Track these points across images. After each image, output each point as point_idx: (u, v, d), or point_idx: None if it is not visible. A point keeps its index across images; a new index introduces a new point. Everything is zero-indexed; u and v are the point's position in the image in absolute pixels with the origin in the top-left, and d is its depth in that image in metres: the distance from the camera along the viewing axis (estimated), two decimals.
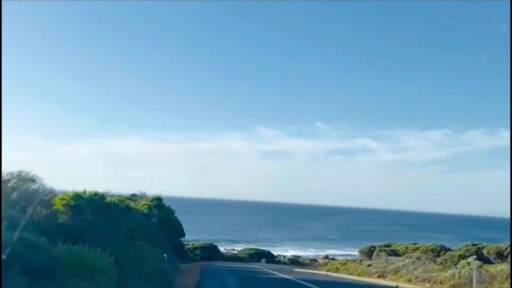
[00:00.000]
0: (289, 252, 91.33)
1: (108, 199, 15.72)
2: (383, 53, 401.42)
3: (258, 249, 74.41)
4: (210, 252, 61.42)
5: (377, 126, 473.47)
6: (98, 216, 13.04)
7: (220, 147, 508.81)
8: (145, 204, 26.48)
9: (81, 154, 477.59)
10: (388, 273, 29.16)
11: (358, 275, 31.93)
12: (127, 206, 18.84)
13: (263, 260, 66.01)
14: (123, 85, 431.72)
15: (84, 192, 14.24)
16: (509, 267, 22.99)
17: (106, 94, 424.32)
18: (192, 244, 62.29)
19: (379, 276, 29.43)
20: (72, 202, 12.99)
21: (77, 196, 13.43)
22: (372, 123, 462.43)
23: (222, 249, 78.92)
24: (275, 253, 76.18)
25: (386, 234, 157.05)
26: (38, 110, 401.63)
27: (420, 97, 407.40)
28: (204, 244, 64.78)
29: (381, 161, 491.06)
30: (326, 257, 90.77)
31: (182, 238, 39.75)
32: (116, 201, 16.40)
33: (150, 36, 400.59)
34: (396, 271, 28.76)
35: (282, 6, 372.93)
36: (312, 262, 75.84)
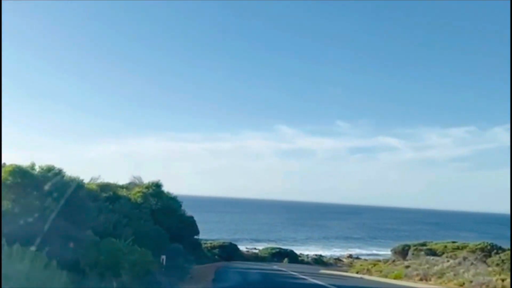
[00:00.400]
0: (312, 251, 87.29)
1: (87, 185, 11.98)
2: (404, 52, 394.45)
3: (280, 248, 70.55)
4: (229, 251, 57.45)
5: (398, 123, 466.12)
6: (52, 202, 9.16)
7: (241, 146, 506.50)
8: (138, 192, 21.36)
9: (101, 154, 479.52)
10: (431, 275, 24.87)
11: (395, 277, 27.67)
12: (115, 193, 15.08)
13: (286, 259, 62.35)
14: (144, 88, 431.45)
15: (32, 166, 10.23)
16: None
17: (126, 97, 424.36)
18: (210, 243, 58.54)
19: (420, 279, 25.16)
20: (10, 180, 9.09)
21: (20, 172, 9.41)
22: (393, 120, 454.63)
23: (243, 248, 75.26)
24: (297, 252, 72.37)
25: (411, 233, 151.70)
26: (59, 114, 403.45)
27: (442, 94, 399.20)
28: (223, 243, 60.86)
29: (403, 159, 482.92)
30: (350, 256, 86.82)
31: (197, 236, 35.70)
32: (94, 187, 12.61)
33: (167, 38, 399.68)
34: (442, 273, 24.46)
35: (299, 8, 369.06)
36: (337, 262, 71.80)
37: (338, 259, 77.93)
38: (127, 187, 22.81)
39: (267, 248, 70.51)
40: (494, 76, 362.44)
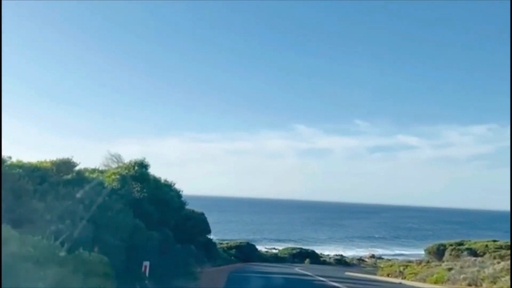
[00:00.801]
0: (333, 251, 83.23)
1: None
2: (422, 51, 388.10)
3: (301, 248, 66.70)
4: (247, 252, 53.64)
5: (417, 122, 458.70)
6: None
7: (259, 146, 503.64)
8: (114, 174, 16.08)
9: (124, 155, 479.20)
10: (482, 279, 20.86)
11: (436, 282, 23.69)
12: (79, 175, 11.36)
13: (307, 260, 58.51)
14: (165, 90, 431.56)
15: None
16: None
17: (145, 98, 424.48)
18: (227, 243, 54.93)
19: (469, 284, 21.15)
20: None
21: None
22: (412, 119, 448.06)
23: (262, 248, 71.74)
24: (318, 252, 68.40)
25: (434, 232, 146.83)
26: (81, 117, 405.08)
27: (461, 92, 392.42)
28: (240, 243, 57.13)
29: (423, 157, 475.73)
30: (372, 256, 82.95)
31: (209, 235, 31.96)
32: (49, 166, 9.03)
33: (187, 42, 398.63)
34: (495, 277, 20.43)
35: (314, 8, 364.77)
36: (360, 262, 68.02)
37: (360, 259, 73.98)
38: (102, 171, 17.88)
39: (287, 248, 66.74)
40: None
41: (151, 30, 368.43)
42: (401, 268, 31.97)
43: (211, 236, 37.62)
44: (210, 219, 32.60)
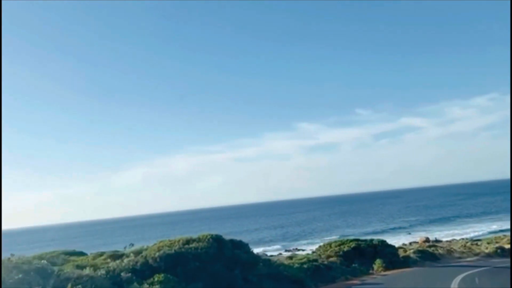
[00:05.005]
0: (393, 241, 68.41)
1: None
2: (413, 31, 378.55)
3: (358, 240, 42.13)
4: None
5: (418, 102, 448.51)
6: None
7: (265, 150, 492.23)
8: None
9: (133, 179, 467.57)
10: None
11: None
12: None
13: (378, 263, 34.44)
14: (165, 104, 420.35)
15: None
16: None
17: (144, 117, 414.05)
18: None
19: None
20: None
21: None
22: (413, 100, 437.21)
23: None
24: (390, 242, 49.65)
25: (473, 206, 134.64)
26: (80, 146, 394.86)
27: (458, 66, 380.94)
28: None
29: (429, 136, 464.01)
30: (427, 240, 69.31)
31: None
32: None
33: (178, 48, 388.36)
34: None
35: (304, 9, 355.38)
36: (448, 251, 49.33)
37: (433, 246, 59.63)
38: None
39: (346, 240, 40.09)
40: (508, 41, 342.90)
41: (142, 39, 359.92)
42: None
43: None
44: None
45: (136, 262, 21.06)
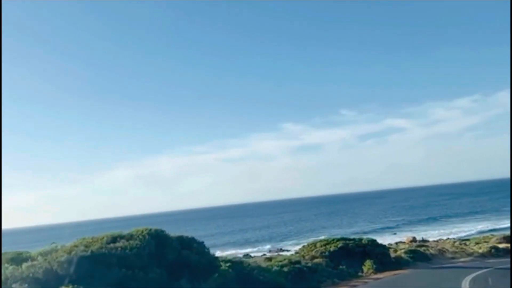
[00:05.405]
0: (386, 240, 66.04)
1: None
2: (399, 32, 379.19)
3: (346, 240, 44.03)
4: None
5: (403, 103, 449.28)
6: None
7: (251, 150, 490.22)
8: None
9: (120, 180, 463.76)
10: None
11: None
12: None
13: (368, 264, 32.77)
14: (154, 107, 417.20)
15: None
16: None
17: (132, 119, 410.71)
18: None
19: None
20: None
21: None
22: (397, 101, 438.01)
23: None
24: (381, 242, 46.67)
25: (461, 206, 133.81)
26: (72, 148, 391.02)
27: (441, 68, 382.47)
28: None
29: (414, 137, 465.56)
30: (414, 240, 67.66)
31: None
32: None
33: (169, 50, 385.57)
34: None
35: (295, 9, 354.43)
36: (439, 251, 48.26)
37: (422, 246, 57.78)
38: None
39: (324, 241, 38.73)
40: (491, 42, 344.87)
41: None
42: None
43: None
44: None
45: (39, 269, 15.87)
